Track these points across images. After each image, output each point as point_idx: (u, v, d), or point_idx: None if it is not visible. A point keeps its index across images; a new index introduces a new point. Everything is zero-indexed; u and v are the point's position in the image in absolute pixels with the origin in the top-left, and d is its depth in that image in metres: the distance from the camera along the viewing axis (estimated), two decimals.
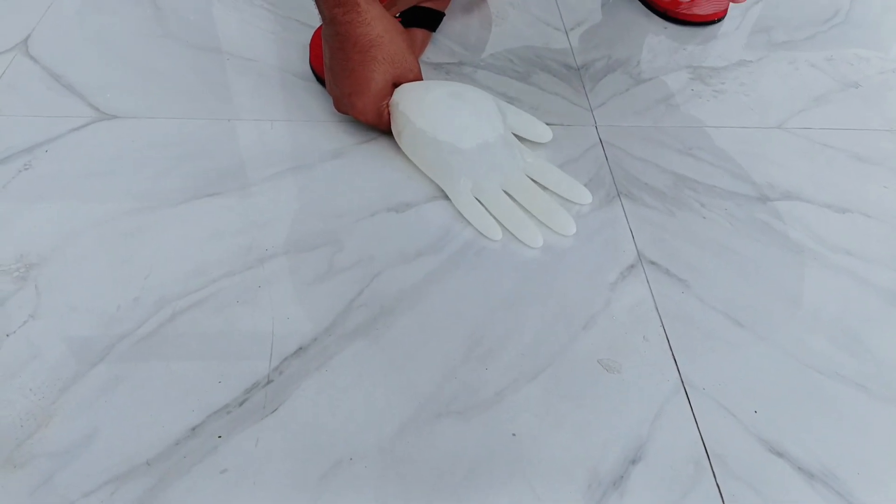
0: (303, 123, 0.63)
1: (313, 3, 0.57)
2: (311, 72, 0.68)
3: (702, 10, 0.77)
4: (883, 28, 0.79)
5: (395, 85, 0.60)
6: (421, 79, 0.62)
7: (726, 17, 0.78)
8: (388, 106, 0.60)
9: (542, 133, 0.62)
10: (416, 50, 0.69)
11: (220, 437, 0.42)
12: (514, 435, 0.43)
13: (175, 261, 0.51)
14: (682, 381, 0.46)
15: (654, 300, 0.51)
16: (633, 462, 0.42)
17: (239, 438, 0.42)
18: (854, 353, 0.48)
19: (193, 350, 0.46)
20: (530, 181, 0.58)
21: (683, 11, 0.77)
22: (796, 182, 0.60)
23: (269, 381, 0.45)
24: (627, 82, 0.70)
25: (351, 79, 0.58)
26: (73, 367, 0.45)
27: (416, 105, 0.59)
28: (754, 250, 0.54)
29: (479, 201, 0.56)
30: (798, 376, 0.47)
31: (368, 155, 0.61)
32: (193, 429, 0.42)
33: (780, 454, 0.43)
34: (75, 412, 0.43)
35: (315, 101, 0.66)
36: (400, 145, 0.60)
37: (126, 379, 0.44)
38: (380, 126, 0.61)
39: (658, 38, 0.76)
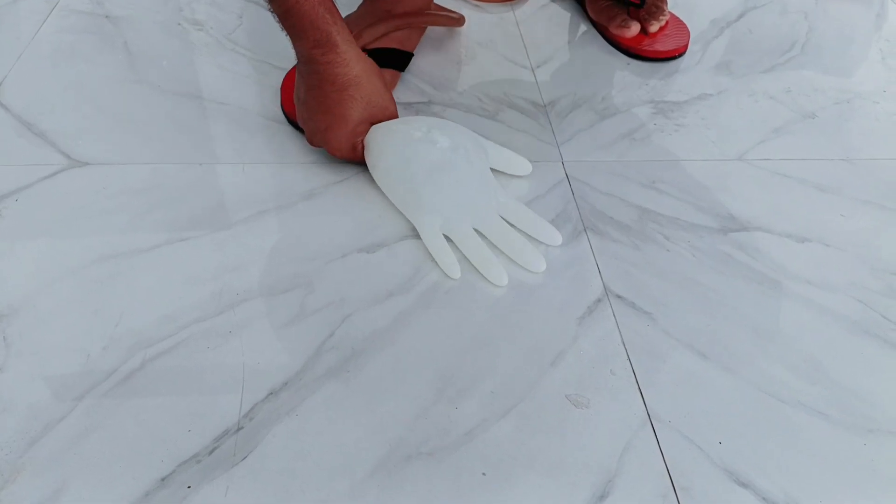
0: (275, 166, 0.64)
1: (289, 42, 0.58)
2: (282, 115, 0.69)
3: (663, 46, 0.80)
4: (837, 60, 0.82)
5: (371, 123, 0.62)
6: (396, 117, 0.63)
7: (687, 53, 0.81)
8: (362, 142, 0.61)
9: (523, 166, 0.64)
10: None
11: (189, 486, 0.42)
12: (484, 474, 0.44)
13: (146, 308, 0.52)
14: (649, 415, 0.47)
15: (621, 334, 0.52)
16: (602, 498, 0.43)
17: (209, 488, 0.42)
18: (815, 381, 0.49)
19: (163, 398, 0.46)
20: (502, 221, 0.59)
21: (646, 48, 0.79)
22: (757, 213, 0.62)
23: (239, 428, 0.45)
24: (592, 118, 0.72)
25: (328, 115, 0.60)
26: (43, 419, 0.45)
27: (390, 139, 0.60)
28: (717, 282, 0.56)
29: (448, 238, 0.57)
30: (761, 406, 0.48)
31: (340, 195, 0.62)
32: (163, 479, 0.42)
33: (744, 485, 0.44)
34: (44, 466, 0.43)
35: (287, 143, 0.67)
36: (374, 178, 0.61)
37: (95, 430, 0.44)
38: (354, 159, 0.62)
39: (622, 74, 0.78)
